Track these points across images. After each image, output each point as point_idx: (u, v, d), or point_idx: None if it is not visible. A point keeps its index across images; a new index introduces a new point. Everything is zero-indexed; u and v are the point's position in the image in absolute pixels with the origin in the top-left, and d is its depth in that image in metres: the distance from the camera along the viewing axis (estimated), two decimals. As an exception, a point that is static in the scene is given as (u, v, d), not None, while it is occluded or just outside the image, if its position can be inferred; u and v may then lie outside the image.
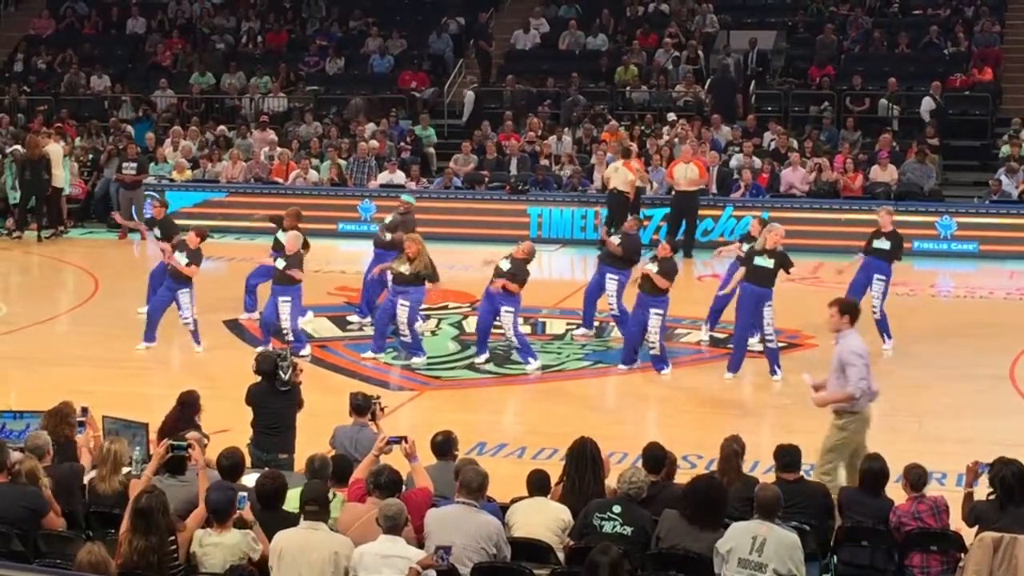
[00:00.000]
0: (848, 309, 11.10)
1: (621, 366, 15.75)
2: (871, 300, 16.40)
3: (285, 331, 15.90)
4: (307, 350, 16.14)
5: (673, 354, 16.21)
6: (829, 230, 22.59)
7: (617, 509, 8.69)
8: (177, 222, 18.70)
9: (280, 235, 17.16)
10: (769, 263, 15.08)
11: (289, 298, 15.95)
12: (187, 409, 10.87)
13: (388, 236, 17.27)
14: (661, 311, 15.33)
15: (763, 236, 15.30)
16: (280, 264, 16.06)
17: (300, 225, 17.08)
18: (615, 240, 16.79)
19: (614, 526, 8.60)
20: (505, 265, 15.75)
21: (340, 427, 10.66)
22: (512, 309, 15.64)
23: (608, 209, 22.97)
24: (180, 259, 16.21)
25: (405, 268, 15.84)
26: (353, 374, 15.57)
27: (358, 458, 9.82)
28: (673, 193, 23.06)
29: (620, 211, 22.62)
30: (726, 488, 8.92)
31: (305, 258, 16.51)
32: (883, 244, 16.50)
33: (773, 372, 15.25)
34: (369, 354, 16.20)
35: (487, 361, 16.01)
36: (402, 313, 15.87)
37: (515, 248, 15.97)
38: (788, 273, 15.39)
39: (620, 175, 22.92)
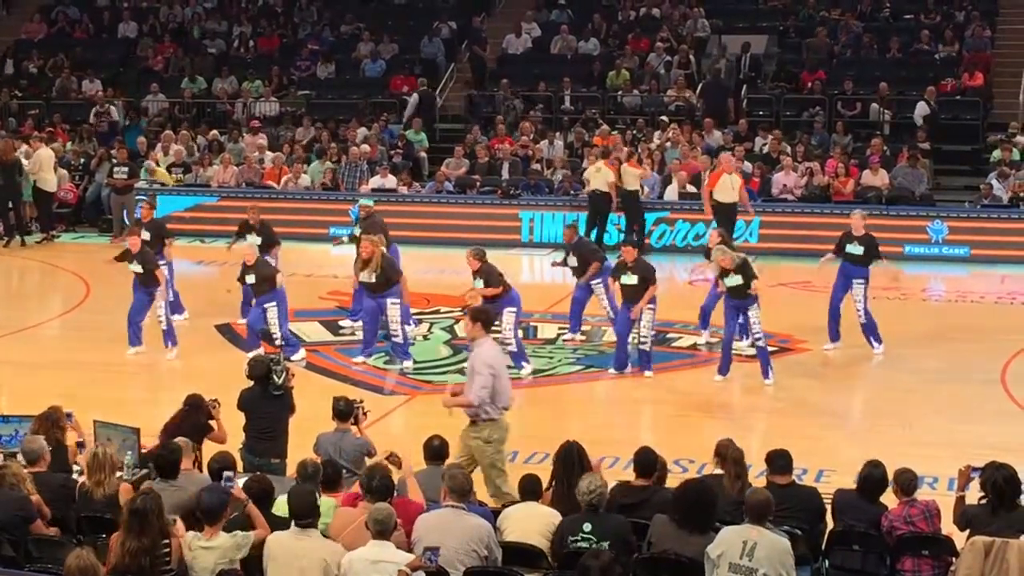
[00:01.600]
0: (479, 316, 11.19)
1: (612, 370, 15.77)
2: (854, 305, 16.45)
3: (275, 336, 15.89)
4: (302, 354, 16.15)
5: (666, 358, 16.25)
6: (820, 234, 22.55)
7: (587, 527, 8.56)
8: (168, 226, 18.76)
9: (251, 237, 17.40)
10: (737, 280, 15.08)
11: (274, 303, 15.94)
12: (193, 411, 10.88)
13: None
14: (653, 306, 15.51)
15: (714, 259, 15.30)
16: (251, 280, 16.06)
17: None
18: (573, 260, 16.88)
19: (590, 545, 8.47)
20: (479, 284, 15.67)
21: (323, 434, 10.66)
22: (515, 309, 15.65)
23: (590, 210, 23.03)
24: (134, 268, 16.31)
25: (368, 275, 15.80)
26: (345, 379, 15.55)
27: (344, 464, 9.81)
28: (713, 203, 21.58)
29: (603, 211, 22.90)
30: (716, 492, 8.90)
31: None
32: (856, 249, 16.48)
33: (765, 375, 15.27)
34: (360, 358, 16.18)
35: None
36: (394, 311, 15.88)
37: (469, 260, 15.74)
38: (756, 278, 15.24)
39: (602, 176, 22.98)
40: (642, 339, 15.54)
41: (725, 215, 21.35)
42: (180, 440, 9.61)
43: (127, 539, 7.99)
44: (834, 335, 16.62)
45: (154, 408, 13.46)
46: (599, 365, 16.21)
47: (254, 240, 17.50)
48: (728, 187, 21.31)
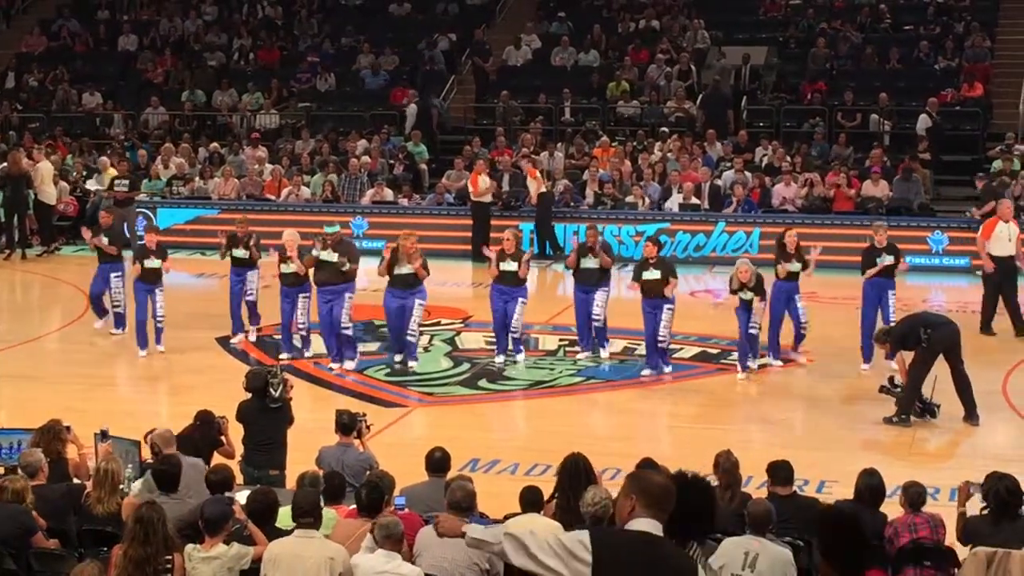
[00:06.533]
0: None
1: (647, 371, 16.12)
2: (883, 314, 16.51)
3: (302, 325, 16.54)
4: (284, 356, 16.58)
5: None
6: (820, 245, 22.51)
7: None
8: (168, 239, 18.79)
9: (238, 252, 17.74)
10: (748, 295, 15.82)
11: (307, 295, 16.60)
12: (205, 427, 10.89)
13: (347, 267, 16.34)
14: (672, 305, 15.88)
15: (735, 273, 15.87)
16: (290, 268, 16.45)
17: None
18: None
19: None
20: (512, 266, 16.28)
21: (325, 448, 10.63)
22: (525, 300, 16.33)
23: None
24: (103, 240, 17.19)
25: (407, 269, 16.14)
26: (345, 390, 15.53)
27: (347, 479, 9.79)
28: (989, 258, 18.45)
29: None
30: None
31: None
32: (887, 260, 16.55)
33: (743, 367, 15.93)
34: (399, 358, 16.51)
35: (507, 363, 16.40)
36: (419, 312, 16.28)
37: (508, 239, 16.57)
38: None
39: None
40: (660, 337, 15.75)
41: (1001, 271, 18.34)
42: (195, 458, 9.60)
43: (130, 547, 7.95)
44: (868, 354, 16.44)
45: (155, 421, 13.40)
46: (600, 377, 16.21)
47: (241, 254, 17.61)
48: (1005, 238, 18.41)
